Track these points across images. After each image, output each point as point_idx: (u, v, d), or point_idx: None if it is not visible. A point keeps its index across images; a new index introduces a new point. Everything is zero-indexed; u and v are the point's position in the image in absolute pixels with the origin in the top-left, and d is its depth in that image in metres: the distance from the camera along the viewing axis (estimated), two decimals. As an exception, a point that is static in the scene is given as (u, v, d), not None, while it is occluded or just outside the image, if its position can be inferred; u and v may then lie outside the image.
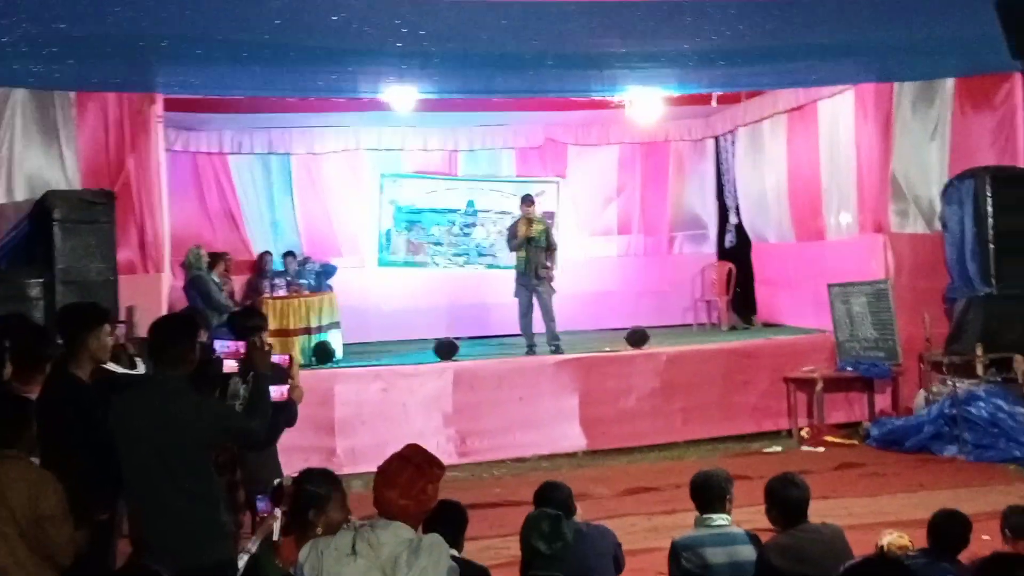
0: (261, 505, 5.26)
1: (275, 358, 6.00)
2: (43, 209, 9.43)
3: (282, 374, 6.19)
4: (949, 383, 10.65)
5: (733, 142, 15.28)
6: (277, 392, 5.89)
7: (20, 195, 10.04)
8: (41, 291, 9.09)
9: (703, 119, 15.43)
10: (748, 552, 4.79)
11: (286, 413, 6.15)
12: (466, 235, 14.86)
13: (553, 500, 4.96)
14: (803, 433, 11.28)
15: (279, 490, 4.22)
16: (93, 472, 4.66)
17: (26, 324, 6.65)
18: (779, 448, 11.05)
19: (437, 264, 14.84)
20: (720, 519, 4.94)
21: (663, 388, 11.32)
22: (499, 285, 13.73)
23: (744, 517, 6.54)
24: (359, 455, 9.94)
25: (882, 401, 11.60)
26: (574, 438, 11.02)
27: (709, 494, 4.99)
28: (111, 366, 5.71)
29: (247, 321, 6.51)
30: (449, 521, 4.42)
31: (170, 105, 11.46)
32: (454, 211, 14.86)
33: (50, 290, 9.09)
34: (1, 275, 9.17)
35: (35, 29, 9.63)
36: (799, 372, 11.55)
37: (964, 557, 4.77)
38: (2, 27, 9.58)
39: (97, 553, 4.73)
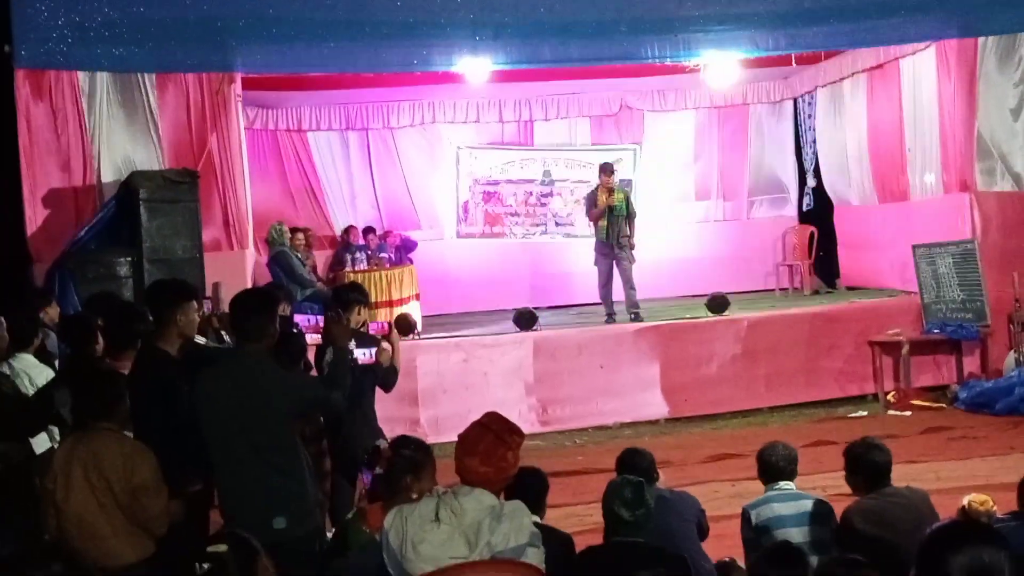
0: (365, 476, 5.38)
1: (373, 326, 6.23)
2: (129, 190, 9.62)
3: (371, 340, 6.39)
4: (1040, 344, 10.40)
5: (812, 103, 15.01)
6: (366, 355, 6.09)
7: (108, 176, 10.28)
8: (129, 269, 9.30)
9: (782, 80, 15.18)
10: (815, 507, 4.90)
11: (375, 376, 6.36)
12: (543, 205, 14.84)
13: (636, 467, 4.96)
14: (889, 397, 11.10)
15: (376, 453, 4.27)
16: (186, 444, 4.77)
17: (116, 301, 6.84)
18: (865, 413, 10.89)
19: (515, 235, 14.86)
20: (787, 485, 5.08)
21: (745, 354, 11.22)
22: (577, 254, 13.72)
23: (829, 482, 6.50)
24: (442, 425, 10.03)
25: (970, 364, 11.35)
26: (656, 405, 10.99)
27: (773, 469, 5.12)
28: (199, 340, 5.84)
29: (348, 294, 6.75)
30: (530, 488, 4.44)
31: (249, 84, 11.60)
32: (531, 181, 14.85)
33: (138, 268, 9.29)
34: (91, 255, 9.40)
35: (116, 13, 9.83)
36: (884, 335, 11.36)
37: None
38: (84, 12, 9.80)
39: (191, 524, 4.83)
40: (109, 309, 6.13)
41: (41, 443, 5.30)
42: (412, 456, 4.23)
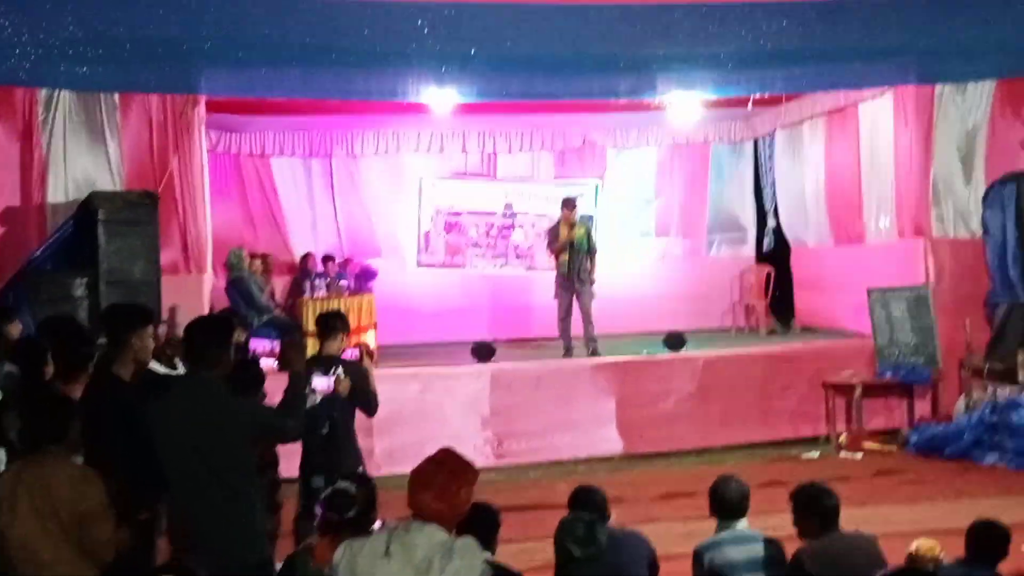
0: (319, 510, 5.35)
1: (347, 352, 6.31)
2: (88, 210, 9.54)
3: (337, 364, 6.43)
4: (990, 389, 10.52)
5: (772, 144, 15.19)
6: (325, 383, 6.12)
7: (66, 196, 10.18)
8: (85, 291, 9.20)
9: (742, 121, 15.35)
10: (767, 550, 4.91)
11: (346, 403, 6.38)
12: (504, 237, 14.88)
13: (588, 504, 4.96)
14: (841, 439, 11.18)
15: (342, 495, 4.22)
16: (134, 471, 4.71)
17: (69, 324, 6.74)
18: (817, 454, 10.96)
19: (476, 266, 14.87)
20: (739, 524, 5.07)
21: (701, 392, 11.26)
22: (537, 287, 13.74)
23: (780, 523, 6.51)
24: (397, 456, 9.94)
25: (922, 407, 11.47)
26: (611, 441, 11.00)
27: (726, 505, 5.10)
28: (153, 366, 5.78)
29: (333, 321, 6.87)
30: (483, 524, 4.43)
31: (212, 107, 11.56)
32: (492, 213, 14.89)
33: (94, 290, 9.20)
34: (46, 275, 9.29)
35: (80, 31, 9.76)
36: (838, 377, 11.45)
37: (1004, 568, 4.72)
38: (49, 29, 9.72)
39: (138, 552, 4.77)
40: (61, 332, 6.04)
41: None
42: (347, 492, 4.19)
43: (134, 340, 5.07)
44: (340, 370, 6.54)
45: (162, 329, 8.39)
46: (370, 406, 6.82)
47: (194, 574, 2.76)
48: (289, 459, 6.74)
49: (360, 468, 5.85)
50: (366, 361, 6.88)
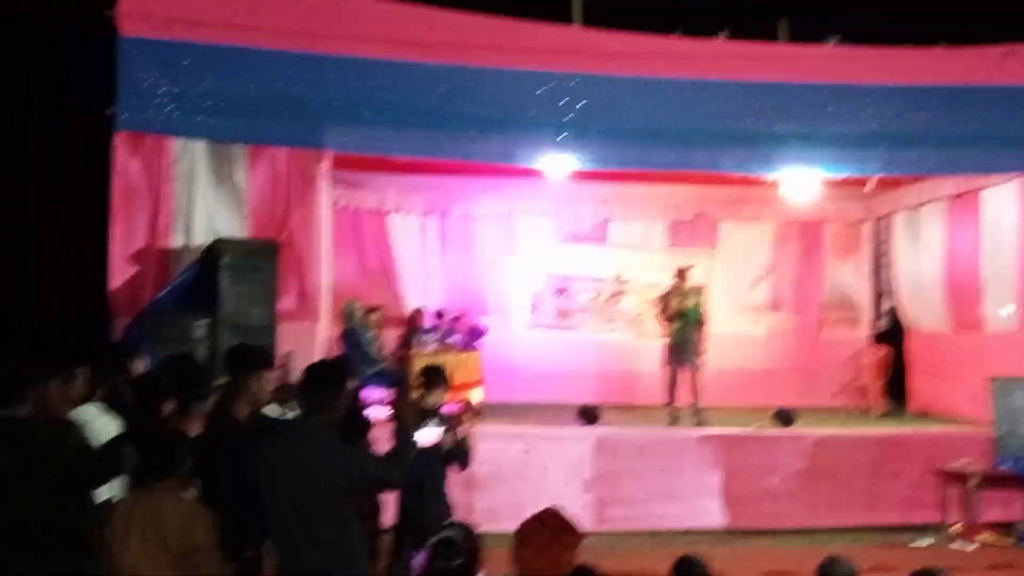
0: (416, 560, 5.36)
1: (449, 406, 6.39)
2: (212, 255, 9.78)
3: (441, 420, 6.49)
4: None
5: (890, 226, 14.88)
6: (435, 435, 6.18)
7: (192, 240, 10.49)
8: (206, 333, 9.41)
9: (861, 201, 15.07)
10: None
11: (438, 455, 6.39)
12: (614, 304, 14.81)
13: (690, 575, 4.84)
14: (954, 529, 10.74)
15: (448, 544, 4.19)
16: (243, 509, 4.76)
17: (187, 363, 6.90)
18: (928, 542, 10.54)
19: (583, 330, 14.82)
20: None
21: (809, 471, 10.97)
22: (645, 354, 13.62)
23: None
24: (497, 514, 9.87)
25: (1041, 502, 10.98)
26: (715, 514, 10.77)
27: None
28: (266, 409, 5.86)
29: (433, 375, 6.94)
30: (583, 587, 4.34)
31: (336, 163, 11.81)
32: (603, 280, 14.85)
33: (214, 332, 9.40)
34: (169, 316, 9.53)
35: (215, 85, 10.17)
36: (953, 465, 11.04)
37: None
38: (186, 82, 10.16)
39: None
40: (181, 370, 6.19)
41: (102, 494, 5.31)
42: (460, 544, 4.15)
43: (252, 382, 5.15)
44: (437, 421, 6.59)
45: (277, 373, 8.51)
46: (464, 460, 6.89)
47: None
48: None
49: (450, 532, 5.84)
50: (466, 416, 6.92)
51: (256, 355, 5.42)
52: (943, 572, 4.92)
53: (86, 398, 5.92)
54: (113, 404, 6.12)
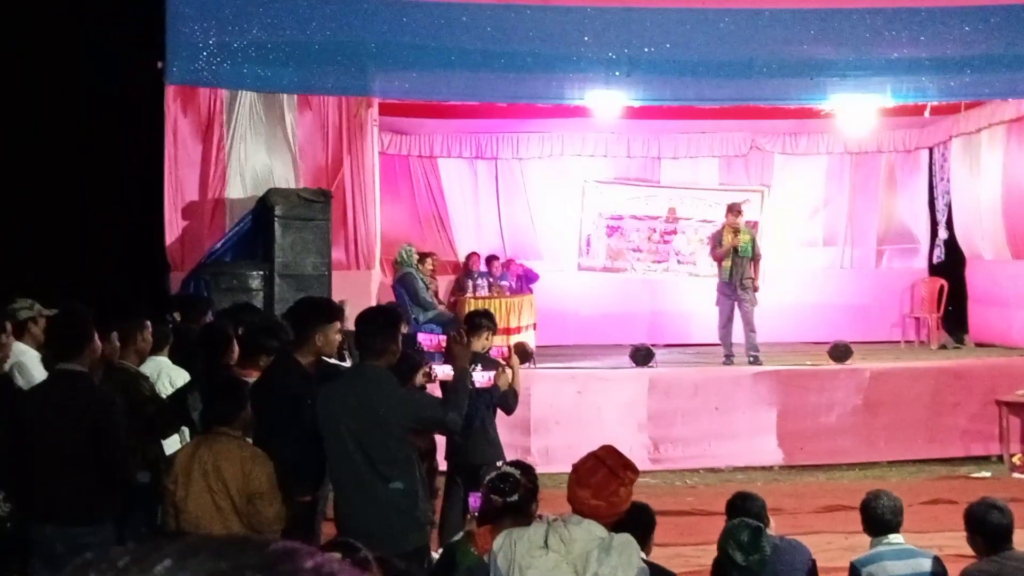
0: (472, 502, 5.46)
1: (492, 351, 6.45)
2: (265, 206, 9.90)
3: (491, 363, 6.57)
4: None
5: (947, 153, 14.62)
6: (484, 378, 6.26)
7: (245, 192, 10.62)
8: (261, 283, 9.57)
9: (917, 129, 14.80)
10: (931, 566, 4.65)
11: (491, 398, 6.49)
12: (666, 242, 14.75)
13: (746, 511, 4.87)
14: (1015, 459, 10.66)
15: (506, 479, 4.25)
16: (302, 455, 4.87)
17: (256, 314, 7.06)
18: (988, 474, 10.49)
19: (636, 270, 14.80)
20: (896, 538, 4.88)
21: (866, 406, 10.92)
22: (699, 293, 13.57)
23: (946, 542, 6.28)
24: (552, 455, 10.00)
25: (1104, 430, 10.85)
26: (770, 452, 10.78)
27: (878, 521, 4.93)
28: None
29: (479, 319, 7.08)
30: (639, 524, 4.40)
31: (384, 110, 11.83)
32: (655, 218, 14.78)
33: (269, 282, 9.56)
34: (225, 266, 9.71)
35: (263, 35, 10.23)
36: (1013, 395, 10.93)
37: None
38: (233, 33, 10.22)
39: (297, 534, 4.92)
40: (247, 320, 6.34)
41: (172, 445, 5.48)
42: (519, 481, 4.22)
43: (318, 336, 5.22)
44: (479, 367, 6.64)
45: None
46: (509, 405, 6.94)
47: (359, 550, 2.84)
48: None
49: (500, 463, 5.95)
50: (514, 360, 6.99)
51: (321, 308, 5.48)
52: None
53: (155, 350, 6.09)
54: (180, 355, 6.29)
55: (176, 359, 6.23)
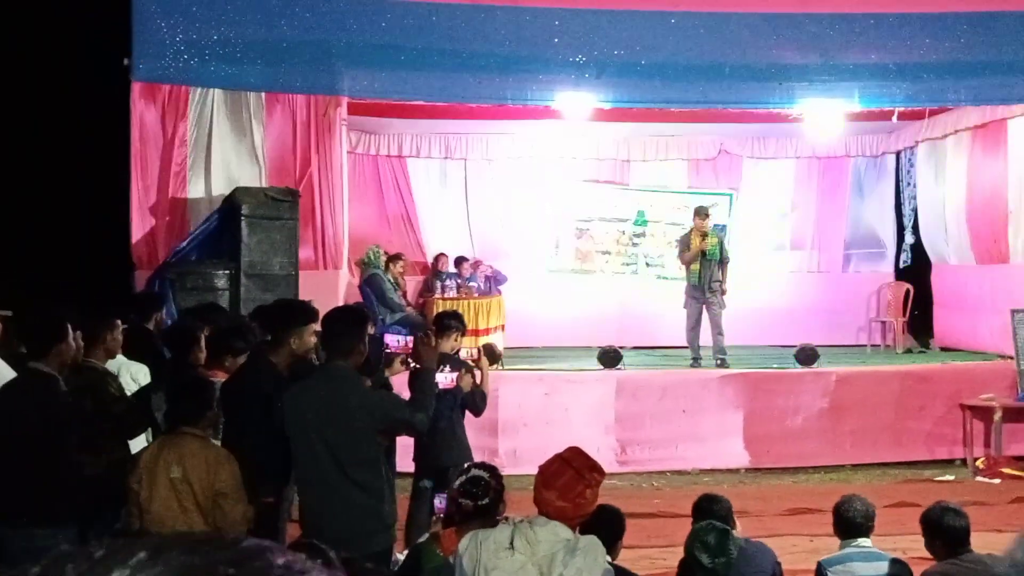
0: (438, 504, 5.46)
1: (463, 352, 6.44)
2: (232, 204, 9.85)
3: (459, 364, 6.56)
4: None
5: (913, 158, 14.77)
6: (447, 379, 6.24)
7: (211, 191, 10.56)
8: (227, 282, 9.52)
9: (884, 134, 14.95)
10: (892, 569, 4.73)
11: (454, 399, 6.48)
12: (635, 245, 14.80)
13: (713, 513, 4.90)
14: (979, 463, 10.79)
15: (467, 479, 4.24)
16: (268, 455, 4.86)
17: (223, 314, 7.02)
18: (952, 477, 10.61)
19: (604, 272, 14.83)
20: (866, 542, 4.94)
21: (832, 409, 11.01)
22: (667, 296, 13.63)
23: (910, 544, 6.35)
24: (520, 457, 10.03)
25: (1066, 435, 10.99)
26: (737, 454, 10.85)
27: (850, 524, 4.98)
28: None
29: (447, 320, 7.05)
30: (606, 526, 4.42)
31: (353, 109, 11.80)
32: (624, 221, 14.83)
33: (235, 282, 9.50)
34: (191, 265, 9.65)
35: (230, 33, 10.17)
36: (977, 400, 11.06)
37: None
38: (201, 31, 10.16)
39: (264, 534, 4.90)
40: (214, 320, 6.31)
41: (138, 445, 5.44)
42: (487, 483, 4.22)
43: (293, 338, 5.21)
44: (448, 368, 6.65)
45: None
46: (477, 406, 6.95)
47: (325, 552, 2.83)
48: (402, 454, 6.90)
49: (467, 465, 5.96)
50: (483, 362, 6.99)
51: (296, 311, 5.46)
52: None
53: (118, 349, 6.05)
54: (143, 353, 6.26)
55: (131, 356, 6.18)
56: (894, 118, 12.86)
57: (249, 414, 5.00)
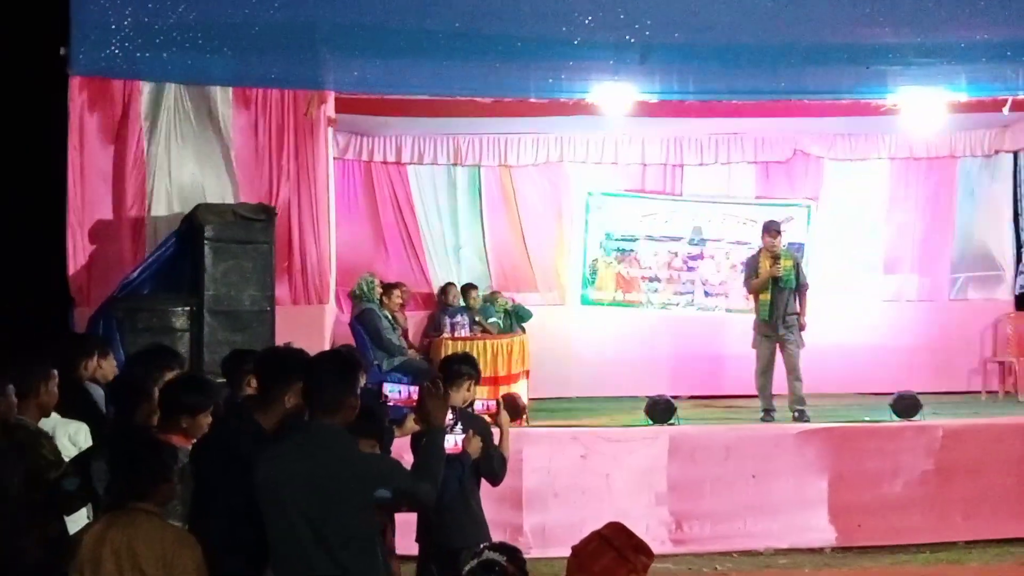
0: None
1: (478, 405, 6.41)
2: (193, 225, 9.89)
3: (475, 421, 6.55)
4: None
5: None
6: (451, 442, 6.20)
7: (170, 208, 10.62)
8: (187, 321, 9.56)
9: (998, 129, 14.92)
10: None
11: (462, 467, 6.48)
12: (691, 270, 14.82)
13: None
14: (1124, 539, 10.73)
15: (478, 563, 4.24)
16: (243, 533, 4.87)
17: (178, 362, 6.99)
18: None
19: (653, 304, 14.84)
20: None
21: (939, 472, 10.97)
22: (730, 333, 13.64)
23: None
24: (549, 535, 10.03)
25: None
26: (820, 530, 10.82)
27: None
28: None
29: (458, 366, 6.95)
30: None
31: (342, 106, 11.86)
32: (677, 239, 14.85)
33: (197, 321, 9.55)
34: (143, 300, 9.68)
35: (190, 14, 10.24)
36: (1121, 459, 11.01)
37: None
38: (153, 11, 10.23)
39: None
40: (171, 368, 6.33)
41: (77, 522, 5.46)
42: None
43: (288, 396, 5.20)
44: (459, 426, 6.63)
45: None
46: (495, 472, 6.91)
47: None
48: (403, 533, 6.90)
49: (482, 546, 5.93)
50: (503, 416, 6.98)
51: (293, 363, 5.39)
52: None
53: (53, 404, 6.08)
54: (80, 410, 6.28)
55: (61, 412, 6.21)
56: (1005, 109, 12.85)
57: (222, 481, 5.00)
